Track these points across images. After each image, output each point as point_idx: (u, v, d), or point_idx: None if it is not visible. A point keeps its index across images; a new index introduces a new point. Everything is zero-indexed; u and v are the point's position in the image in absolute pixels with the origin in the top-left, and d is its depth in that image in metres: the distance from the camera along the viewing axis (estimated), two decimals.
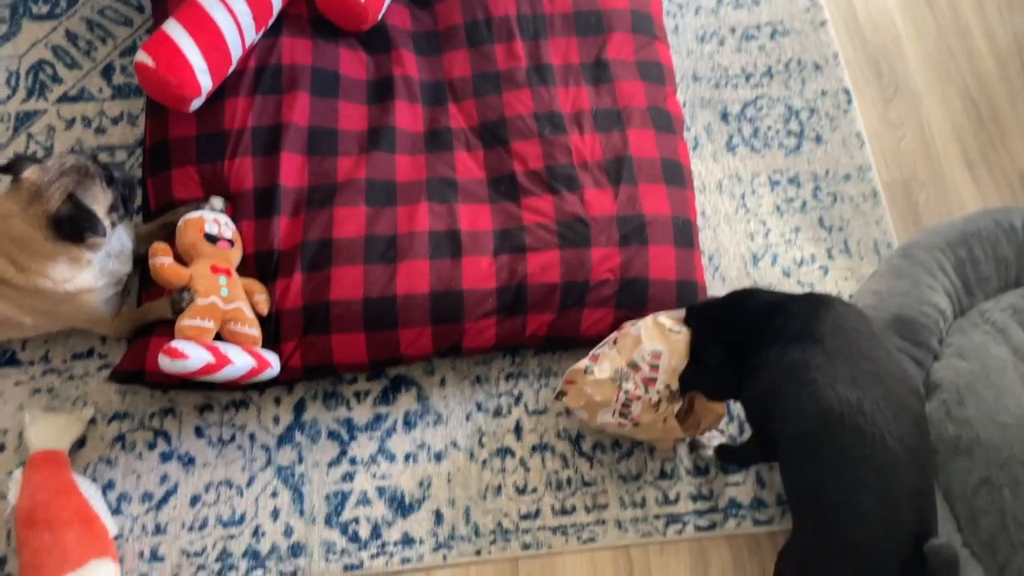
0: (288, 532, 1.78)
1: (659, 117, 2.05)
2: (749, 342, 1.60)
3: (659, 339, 1.71)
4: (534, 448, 1.87)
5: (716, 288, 2.04)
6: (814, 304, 1.58)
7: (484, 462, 1.86)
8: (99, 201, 1.68)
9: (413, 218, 1.87)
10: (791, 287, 2.05)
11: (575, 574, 1.77)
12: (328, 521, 1.79)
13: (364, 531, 1.78)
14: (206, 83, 1.87)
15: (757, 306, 1.63)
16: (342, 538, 1.78)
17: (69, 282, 1.70)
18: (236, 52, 1.93)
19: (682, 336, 1.71)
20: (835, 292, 2.05)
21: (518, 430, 1.89)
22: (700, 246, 2.01)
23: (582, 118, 2.02)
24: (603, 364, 1.73)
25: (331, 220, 1.85)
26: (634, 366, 1.70)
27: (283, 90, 1.97)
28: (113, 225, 1.72)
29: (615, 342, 1.76)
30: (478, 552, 1.77)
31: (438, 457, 1.85)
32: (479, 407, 1.91)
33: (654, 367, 1.69)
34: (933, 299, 1.78)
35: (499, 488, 1.83)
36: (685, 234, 1.94)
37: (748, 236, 2.12)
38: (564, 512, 1.82)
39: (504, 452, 1.87)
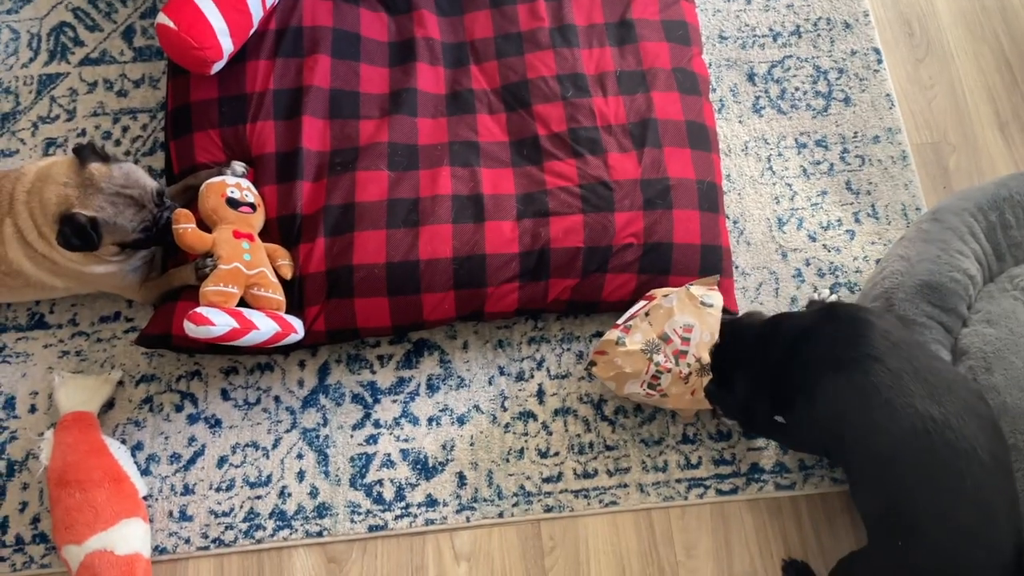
0: (314, 493, 1.80)
1: (684, 78, 2.01)
2: (782, 371, 1.55)
3: (691, 312, 1.70)
4: (556, 412, 1.88)
5: (741, 253, 2.02)
6: (855, 322, 1.51)
7: (506, 426, 1.87)
8: (117, 237, 1.68)
9: (435, 182, 1.86)
10: (817, 252, 2.03)
11: (597, 537, 1.79)
12: (353, 483, 1.81)
13: (388, 493, 1.81)
14: (227, 45, 1.86)
15: (788, 333, 1.56)
16: (367, 499, 1.80)
17: (81, 265, 1.71)
18: (257, 13, 1.91)
19: (715, 310, 1.70)
20: (862, 256, 2.03)
21: (540, 394, 1.89)
22: (725, 210, 1.99)
23: (606, 80, 1.99)
24: (635, 335, 1.72)
25: (353, 184, 1.85)
26: (665, 338, 1.70)
27: (304, 53, 1.95)
28: (114, 254, 1.72)
29: (647, 313, 1.75)
30: (500, 514, 1.79)
31: (461, 420, 1.87)
32: (501, 371, 1.91)
33: (685, 340, 1.69)
34: (963, 265, 1.75)
35: (521, 451, 1.85)
36: (710, 198, 1.92)
37: (774, 200, 2.09)
38: (586, 476, 1.83)
39: (526, 416, 1.88)
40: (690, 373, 1.69)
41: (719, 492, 1.82)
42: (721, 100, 2.18)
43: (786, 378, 1.54)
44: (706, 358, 1.68)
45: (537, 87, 1.97)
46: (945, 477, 1.37)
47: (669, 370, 1.69)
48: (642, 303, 1.79)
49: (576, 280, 1.84)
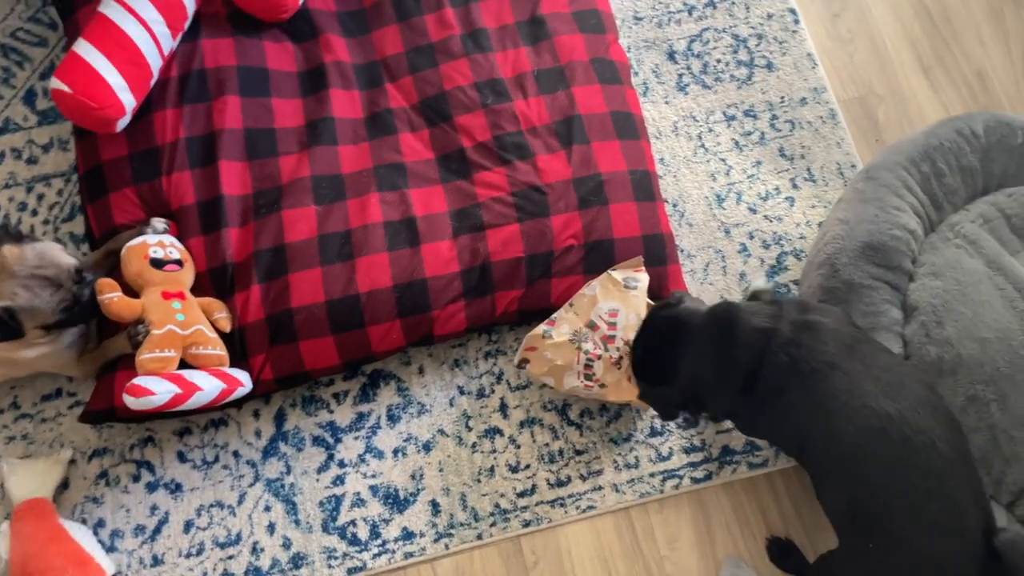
0: (287, 544, 1.76)
1: (603, 68, 1.98)
2: (735, 375, 1.49)
3: (616, 296, 1.69)
4: (522, 424, 1.85)
5: (684, 235, 2.00)
6: (807, 328, 1.47)
7: (473, 445, 1.84)
8: (38, 320, 1.60)
9: (365, 210, 1.81)
10: (759, 223, 2.02)
11: (579, 544, 1.77)
12: (325, 527, 1.77)
13: (363, 532, 1.77)
14: (128, 100, 1.79)
15: (742, 337, 1.49)
16: (342, 542, 1.76)
17: (11, 352, 1.65)
18: (155, 62, 1.84)
19: (639, 291, 1.70)
20: (804, 222, 2.02)
21: (503, 408, 1.87)
22: (662, 195, 1.97)
23: (524, 81, 1.95)
24: (561, 327, 1.71)
25: (281, 224, 1.80)
26: (592, 326, 1.69)
27: (211, 96, 1.89)
28: (40, 336, 1.65)
29: (571, 304, 1.74)
30: (479, 536, 1.77)
31: (427, 447, 1.83)
32: (461, 391, 1.88)
33: (612, 324, 1.68)
34: (902, 220, 1.74)
35: (492, 469, 1.82)
36: (645, 187, 1.89)
37: (710, 177, 2.07)
38: (560, 484, 1.81)
39: (492, 432, 1.85)
40: (620, 357, 1.68)
41: (694, 480, 1.81)
42: (645, 83, 2.15)
43: (739, 383, 1.50)
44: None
45: (456, 98, 1.93)
46: (907, 473, 1.36)
47: (600, 356, 1.68)
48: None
49: (522, 290, 1.81)
